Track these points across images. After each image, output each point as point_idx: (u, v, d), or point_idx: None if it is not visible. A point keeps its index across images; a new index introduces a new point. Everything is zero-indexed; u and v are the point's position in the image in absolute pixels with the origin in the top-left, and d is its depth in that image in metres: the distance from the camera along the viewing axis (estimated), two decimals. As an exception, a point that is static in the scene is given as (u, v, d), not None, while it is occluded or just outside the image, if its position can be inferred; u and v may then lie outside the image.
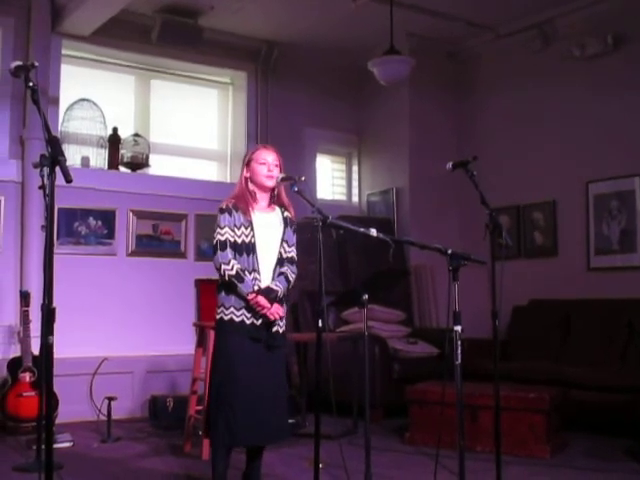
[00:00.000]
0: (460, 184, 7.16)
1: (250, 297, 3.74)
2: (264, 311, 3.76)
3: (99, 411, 6.14)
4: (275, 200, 3.98)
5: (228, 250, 3.77)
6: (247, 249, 3.80)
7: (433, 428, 4.77)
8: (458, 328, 3.32)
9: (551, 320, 6.81)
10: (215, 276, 3.91)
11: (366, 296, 4.23)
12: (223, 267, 3.75)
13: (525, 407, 5.02)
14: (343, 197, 8.75)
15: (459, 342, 3.29)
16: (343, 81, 8.43)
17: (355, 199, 8.74)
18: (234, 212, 3.82)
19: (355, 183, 8.77)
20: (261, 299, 3.75)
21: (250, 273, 3.78)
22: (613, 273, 6.72)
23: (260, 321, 3.79)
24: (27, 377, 5.76)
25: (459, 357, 3.27)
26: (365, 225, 3.93)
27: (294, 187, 3.68)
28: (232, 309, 3.78)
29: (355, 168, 8.77)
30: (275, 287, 3.82)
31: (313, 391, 3.86)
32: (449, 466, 4.23)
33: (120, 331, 6.71)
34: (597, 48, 6.79)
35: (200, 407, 5.16)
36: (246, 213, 3.83)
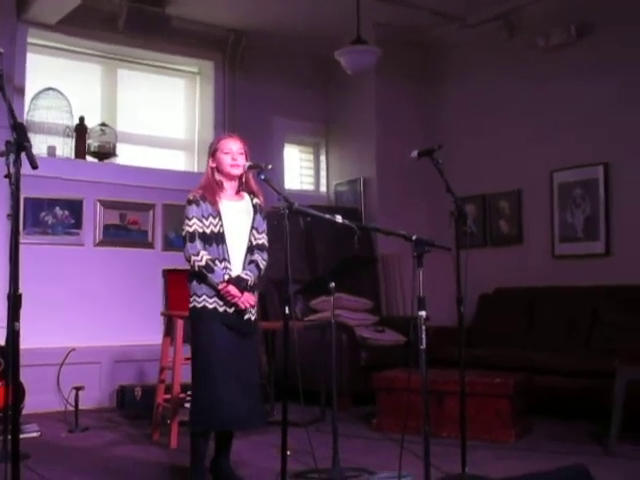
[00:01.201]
0: (427, 173, 7.18)
1: (221, 287, 3.78)
2: (235, 300, 3.81)
3: (66, 401, 6.11)
4: (244, 187, 4.01)
5: (197, 241, 3.81)
6: (216, 239, 3.84)
7: (400, 414, 4.82)
8: (423, 313, 3.36)
9: (516, 308, 6.90)
10: (182, 266, 3.94)
11: (333, 284, 4.26)
12: (193, 258, 3.80)
13: (490, 392, 5.09)
14: (311, 187, 8.76)
15: (423, 327, 3.33)
16: (311, 70, 8.43)
17: (323, 189, 8.76)
18: (202, 203, 3.86)
19: (323, 173, 8.79)
20: (232, 288, 3.79)
21: (221, 262, 3.82)
22: (577, 261, 6.82)
23: (232, 309, 3.84)
24: (-7, 367, 5.73)
25: (424, 342, 3.31)
26: (332, 214, 3.95)
27: (261, 175, 3.71)
28: (204, 297, 3.82)
29: (323, 158, 8.79)
30: (245, 276, 3.87)
31: (281, 379, 3.89)
32: (416, 451, 4.26)
33: (87, 321, 6.68)
34: (561, 38, 6.86)
35: (168, 396, 5.17)
36: (213, 203, 3.87)
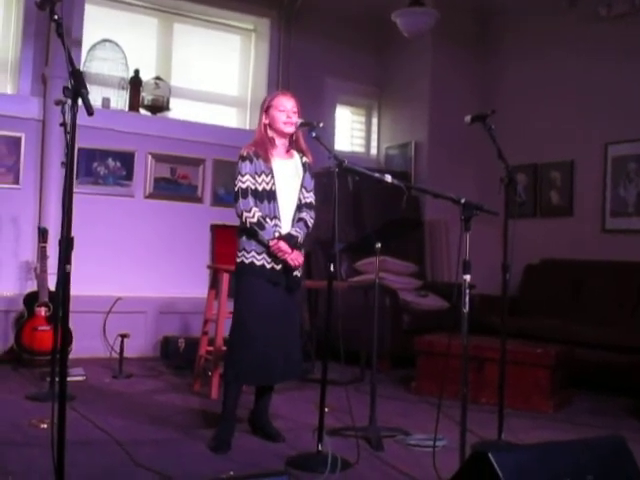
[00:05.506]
0: (479, 142, 7.11)
1: (272, 243, 3.81)
2: (285, 256, 3.84)
3: (112, 348, 6.25)
4: (293, 146, 4.02)
5: (249, 197, 3.83)
6: (268, 196, 3.85)
7: (439, 379, 4.83)
8: (467, 277, 3.33)
9: (563, 280, 6.84)
10: (230, 222, 3.97)
11: (379, 244, 4.27)
12: (245, 214, 3.81)
13: (531, 362, 5.08)
14: (361, 149, 8.74)
15: (467, 291, 3.31)
16: (366, 32, 8.36)
17: (373, 152, 8.73)
18: (255, 159, 3.86)
19: (374, 135, 8.75)
20: (283, 244, 3.82)
21: (271, 220, 3.84)
22: (628, 236, 6.72)
23: (280, 266, 3.87)
24: (43, 311, 5.86)
25: (467, 305, 3.30)
26: (381, 174, 3.94)
27: (312, 133, 3.69)
28: (253, 253, 3.85)
29: (375, 120, 8.74)
30: (295, 233, 3.90)
31: (322, 338, 3.92)
32: (453, 416, 4.28)
33: (135, 272, 6.80)
34: (623, 8, 6.70)
35: (211, 348, 5.25)
36: (266, 160, 3.87)
